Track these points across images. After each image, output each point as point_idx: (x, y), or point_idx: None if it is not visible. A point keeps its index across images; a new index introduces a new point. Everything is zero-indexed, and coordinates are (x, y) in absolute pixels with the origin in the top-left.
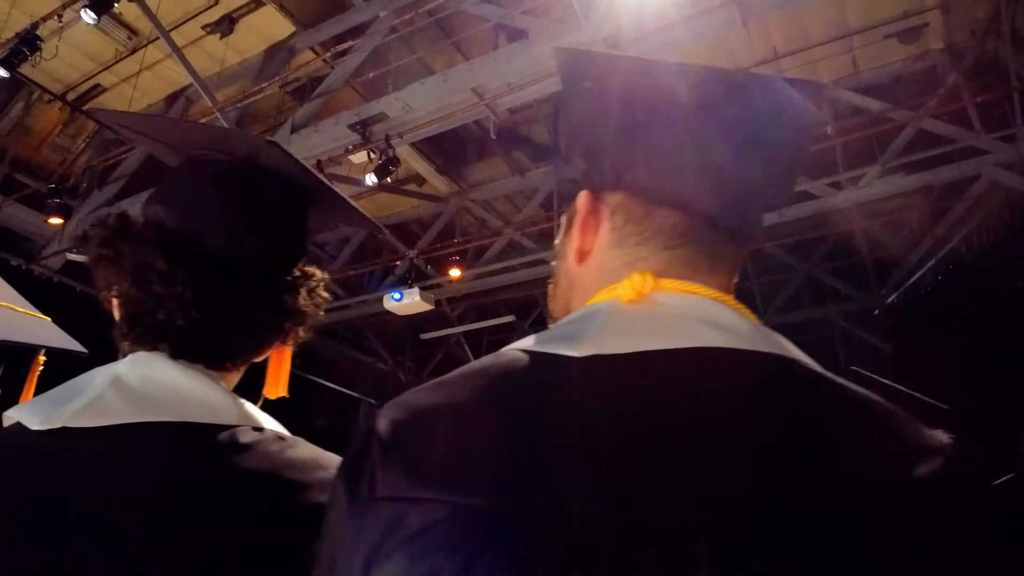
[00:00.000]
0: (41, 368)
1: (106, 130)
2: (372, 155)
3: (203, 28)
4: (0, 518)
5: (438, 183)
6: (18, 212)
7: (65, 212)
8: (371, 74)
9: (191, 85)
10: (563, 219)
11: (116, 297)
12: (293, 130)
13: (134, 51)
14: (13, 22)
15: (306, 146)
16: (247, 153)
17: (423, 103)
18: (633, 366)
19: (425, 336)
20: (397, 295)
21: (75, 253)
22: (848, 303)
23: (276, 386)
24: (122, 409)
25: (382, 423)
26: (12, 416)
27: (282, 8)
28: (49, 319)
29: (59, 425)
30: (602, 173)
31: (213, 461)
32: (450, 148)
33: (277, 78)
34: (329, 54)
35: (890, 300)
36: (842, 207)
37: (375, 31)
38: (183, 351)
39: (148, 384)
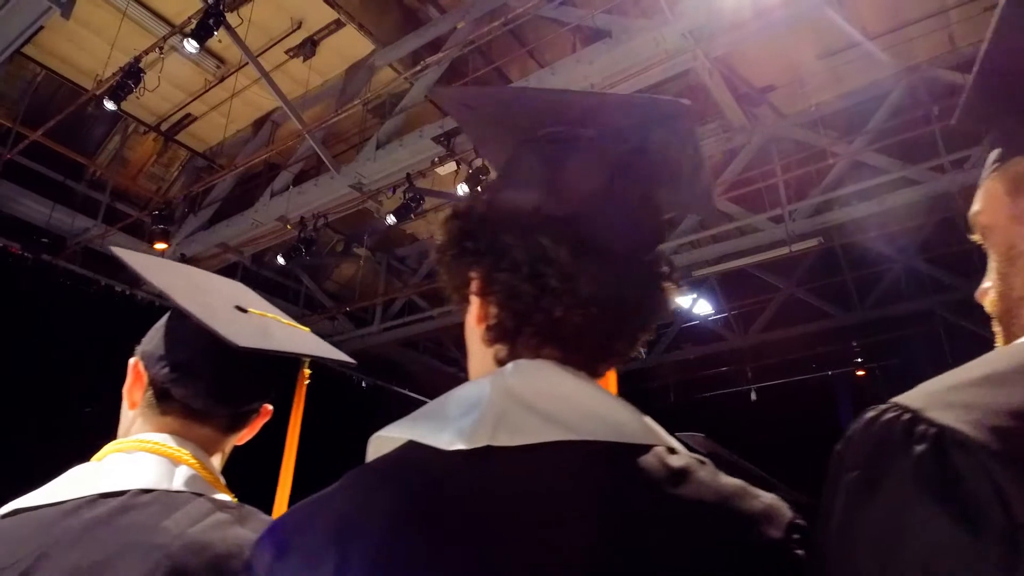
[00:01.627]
0: (307, 381)
1: (197, 158)
2: (465, 166)
3: (286, 52)
4: (457, 545)
5: None
6: (120, 240)
7: (167, 237)
8: (454, 84)
9: (276, 109)
10: None
11: (491, 295)
12: (378, 146)
13: (222, 79)
14: (115, 61)
15: (392, 160)
16: (646, 124)
17: None
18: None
19: None
20: None
21: None
22: (950, 293)
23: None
24: (536, 427)
25: (981, 432)
26: (390, 436)
27: (361, 27)
28: (308, 329)
29: (483, 444)
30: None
31: (654, 489)
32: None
33: (358, 100)
34: (409, 73)
35: None
36: (946, 191)
37: (453, 44)
38: (573, 354)
39: (547, 398)
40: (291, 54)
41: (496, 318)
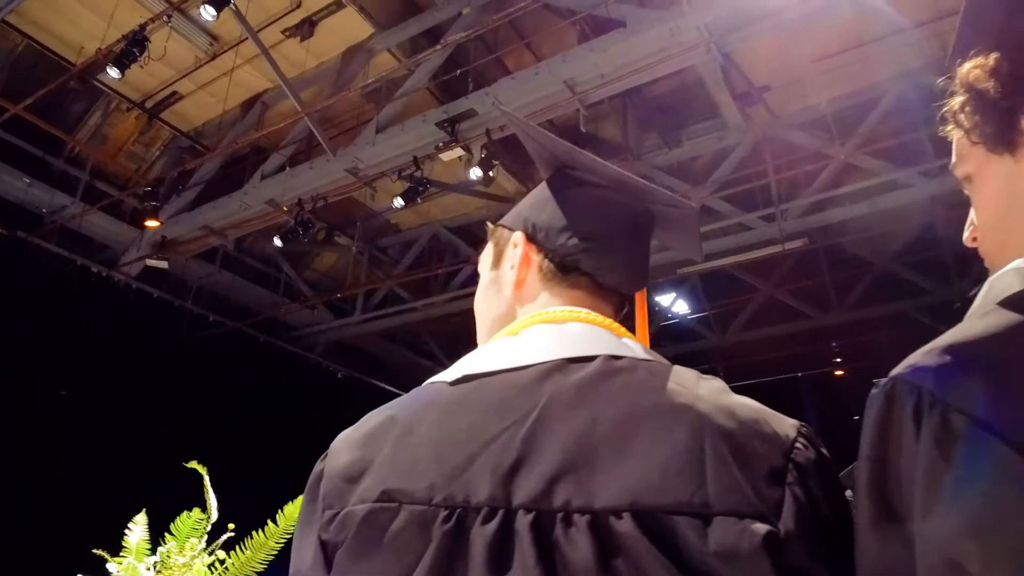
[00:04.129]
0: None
1: (181, 138)
2: (466, 152)
3: (283, 32)
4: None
5: (506, 183)
6: (97, 219)
7: (157, 214)
8: (458, 71)
9: (267, 90)
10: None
11: None
12: (378, 130)
13: (215, 57)
14: (101, 33)
15: (393, 144)
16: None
17: (513, 97)
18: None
19: None
20: None
21: (154, 259)
22: (926, 297)
23: None
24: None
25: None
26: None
27: (362, 10)
28: None
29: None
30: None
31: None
32: (516, 146)
33: (360, 86)
34: (411, 60)
35: (972, 293)
36: (930, 196)
37: (457, 30)
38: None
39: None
40: (288, 34)
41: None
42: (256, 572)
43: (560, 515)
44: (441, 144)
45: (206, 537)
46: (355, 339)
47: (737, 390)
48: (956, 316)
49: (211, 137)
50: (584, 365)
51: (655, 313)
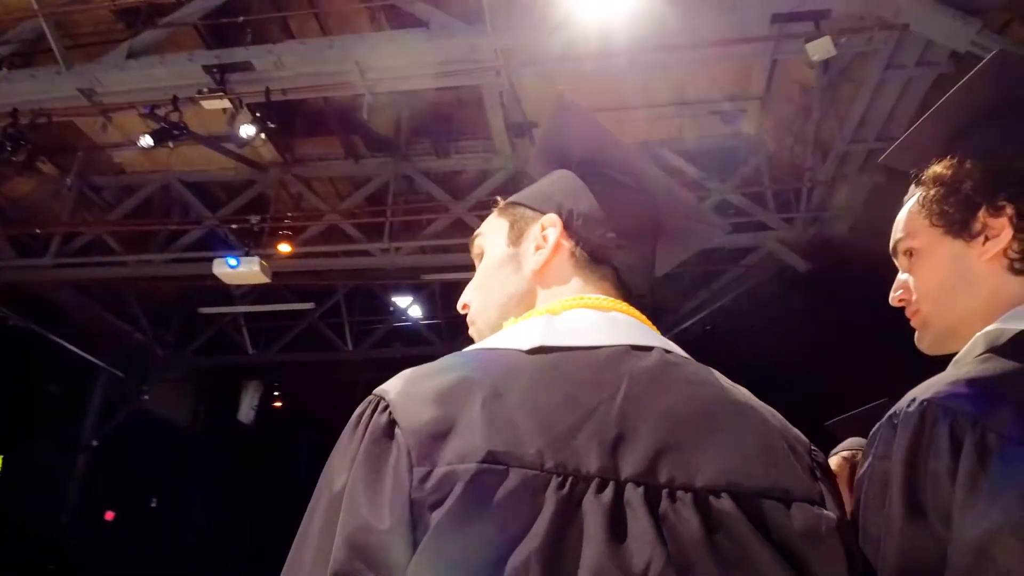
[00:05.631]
0: None
1: None
2: (233, 106)
3: None
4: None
5: (263, 149)
6: None
7: None
8: (240, 19)
9: None
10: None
11: None
12: (131, 55)
13: None
14: None
15: (146, 76)
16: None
17: (298, 64)
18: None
19: (206, 311)
20: (233, 261)
21: None
22: None
23: None
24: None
25: None
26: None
27: None
28: None
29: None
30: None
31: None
32: (280, 115)
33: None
34: None
35: None
36: None
37: None
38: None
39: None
40: None
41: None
42: None
43: (665, 491)
44: (206, 90)
45: None
46: (41, 285)
47: None
48: None
49: None
50: (646, 354)
51: (391, 313)
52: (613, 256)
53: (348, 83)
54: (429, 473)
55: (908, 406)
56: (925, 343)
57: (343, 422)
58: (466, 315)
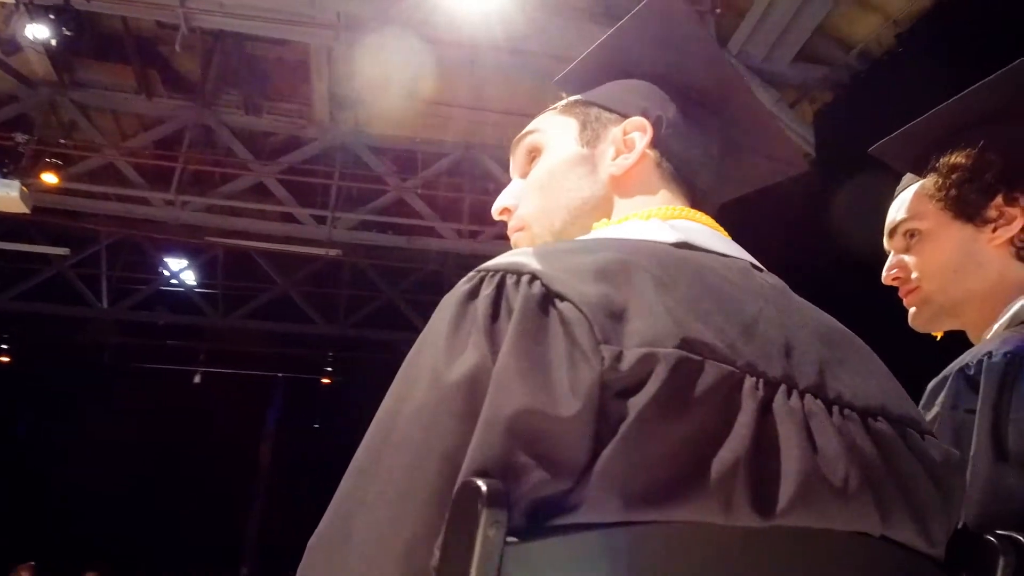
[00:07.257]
0: None
1: None
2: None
3: None
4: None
5: (36, 63)
6: None
7: None
8: None
9: None
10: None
11: None
12: None
13: None
14: None
15: None
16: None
17: None
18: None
19: None
20: None
21: None
22: (415, 334)
23: None
24: None
25: None
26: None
27: None
28: None
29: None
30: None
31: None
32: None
33: None
34: None
35: None
36: (451, 250)
37: None
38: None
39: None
40: None
41: None
42: None
43: (835, 407)
44: None
45: None
46: None
47: (212, 377)
48: None
49: None
50: (765, 274)
51: (158, 274)
52: (696, 175)
53: (165, 7)
54: (621, 353)
55: (990, 357)
56: (921, 320)
57: (79, 387)
58: (504, 221)
